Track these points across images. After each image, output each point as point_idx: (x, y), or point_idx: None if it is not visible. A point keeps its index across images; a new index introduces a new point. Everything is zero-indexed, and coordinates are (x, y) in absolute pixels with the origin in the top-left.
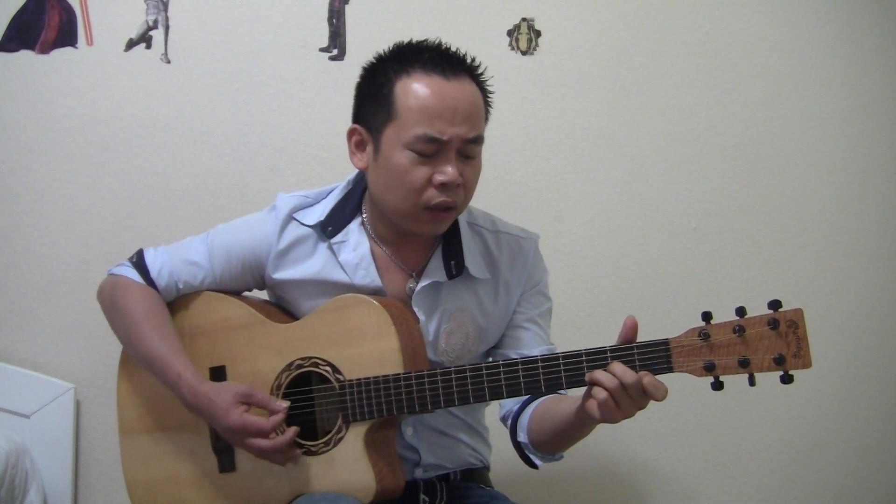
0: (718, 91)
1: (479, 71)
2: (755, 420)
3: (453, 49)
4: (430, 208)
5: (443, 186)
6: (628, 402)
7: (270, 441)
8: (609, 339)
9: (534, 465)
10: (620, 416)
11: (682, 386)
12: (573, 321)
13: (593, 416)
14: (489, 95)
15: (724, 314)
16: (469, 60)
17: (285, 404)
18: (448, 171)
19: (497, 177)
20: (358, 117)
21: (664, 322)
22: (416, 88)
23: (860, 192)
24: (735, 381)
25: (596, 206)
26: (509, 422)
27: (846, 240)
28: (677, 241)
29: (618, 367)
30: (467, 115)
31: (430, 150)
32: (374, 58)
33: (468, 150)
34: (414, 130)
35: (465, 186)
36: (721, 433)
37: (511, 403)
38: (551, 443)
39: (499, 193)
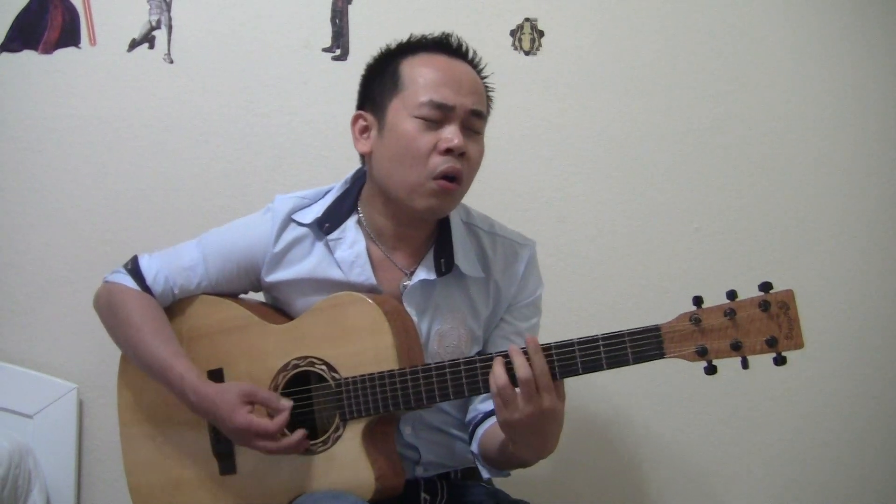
0: (720, 91)
1: (481, 66)
2: (759, 421)
3: (456, 41)
4: (437, 177)
5: (448, 152)
6: (514, 399)
7: (276, 443)
8: None
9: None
10: (507, 414)
11: (684, 387)
12: (575, 321)
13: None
14: (489, 91)
15: None
16: (471, 55)
17: (288, 404)
18: (453, 137)
19: (500, 177)
20: (362, 103)
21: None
22: (422, 64)
23: (863, 193)
24: (738, 385)
25: (598, 207)
26: (470, 428)
27: (849, 240)
28: (679, 241)
29: (517, 358)
30: (472, 89)
31: (437, 117)
32: (378, 52)
33: (473, 124)
34: (421, 98)
35: (468, 161)
36: (724, 434)
37: (482, 407)
38: (496, 457)
39: (501, 193)
